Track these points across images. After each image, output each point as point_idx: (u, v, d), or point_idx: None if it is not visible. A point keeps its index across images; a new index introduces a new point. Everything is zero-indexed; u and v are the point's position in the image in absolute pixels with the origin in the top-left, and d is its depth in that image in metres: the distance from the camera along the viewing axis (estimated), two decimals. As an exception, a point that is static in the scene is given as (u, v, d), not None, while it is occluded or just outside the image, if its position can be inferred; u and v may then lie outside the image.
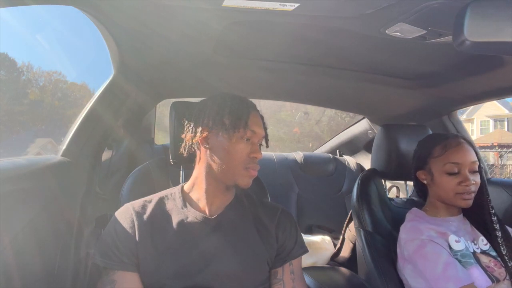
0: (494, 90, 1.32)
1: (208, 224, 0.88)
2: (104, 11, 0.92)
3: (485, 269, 1.02)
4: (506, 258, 1.05)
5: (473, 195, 1.09)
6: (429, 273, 1.01)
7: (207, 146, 0.88)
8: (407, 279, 1.09)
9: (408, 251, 1.08)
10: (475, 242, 1.10)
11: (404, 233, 1.12)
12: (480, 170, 1.12)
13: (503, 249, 1.07)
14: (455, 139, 1.13)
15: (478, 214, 1.13)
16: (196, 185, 0.92)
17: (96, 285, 0.86)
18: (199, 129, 0.88)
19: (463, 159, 1.09)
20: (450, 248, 1.06)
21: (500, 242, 1.08)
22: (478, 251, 1.08)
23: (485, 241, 1.11)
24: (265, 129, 0.94)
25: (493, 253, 1.08)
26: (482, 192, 1.11)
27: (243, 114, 0.87)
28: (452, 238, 1.07)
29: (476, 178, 1.09)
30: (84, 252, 1.18)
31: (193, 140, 0.89)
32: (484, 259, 1.06)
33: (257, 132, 0.88)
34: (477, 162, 1.10)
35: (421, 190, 1.22)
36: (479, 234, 1.13)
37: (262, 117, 0.94)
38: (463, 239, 1.08)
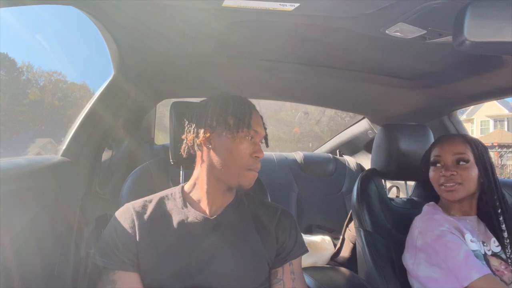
0: (494, 90, 1.32)
1: (208, 225, 0.88)
2: (104, 11, 0.92)
3: (494, 272, 1.02)
4: (510, 261, 1.05)
5: (457, 187, 1.09)
6: (450, 261, 1.01)
7: (210, 147, 0.88)
8: (416, 268, 1.08)
9: (424, 240, 1.07)
10: (485, 244, 1.09)
11: (422, 222, 1.12)
12: (491, 169, 1.10)
13: (509, 252, 1.07)
14: (447, 135, 1.17)
15: (488, 215, 1.13)
16: (197, 186, 0.92)
17: (96, 285, 0.86)
18: (202, 130, 0.88)
19: (443, 150, 1.12)
20: None
21: (506, 243, 1.07)
22: (489, 253, 1.07)
23: (497, 242, 1.10)
24: (265, 129, 0.95)
25: (504, 256, 1.07)
26: (491, 192, 1.10)
27: (246, 114, 0.88)
28: (468, 237, 1.06)
29: (463, 172, 1.09)
30: (84, 252, 1.18)
31: (196, 141, 0.89)
32: (494, 261, 1.05)
33: (259, 132, 0.89)
34: (462, 155, 1.09)
35: (433, 192, 1.20)
36: (491, 235, 1.12)
37: (261, 117, 0.95)
38: (476, 239, 1.07)
